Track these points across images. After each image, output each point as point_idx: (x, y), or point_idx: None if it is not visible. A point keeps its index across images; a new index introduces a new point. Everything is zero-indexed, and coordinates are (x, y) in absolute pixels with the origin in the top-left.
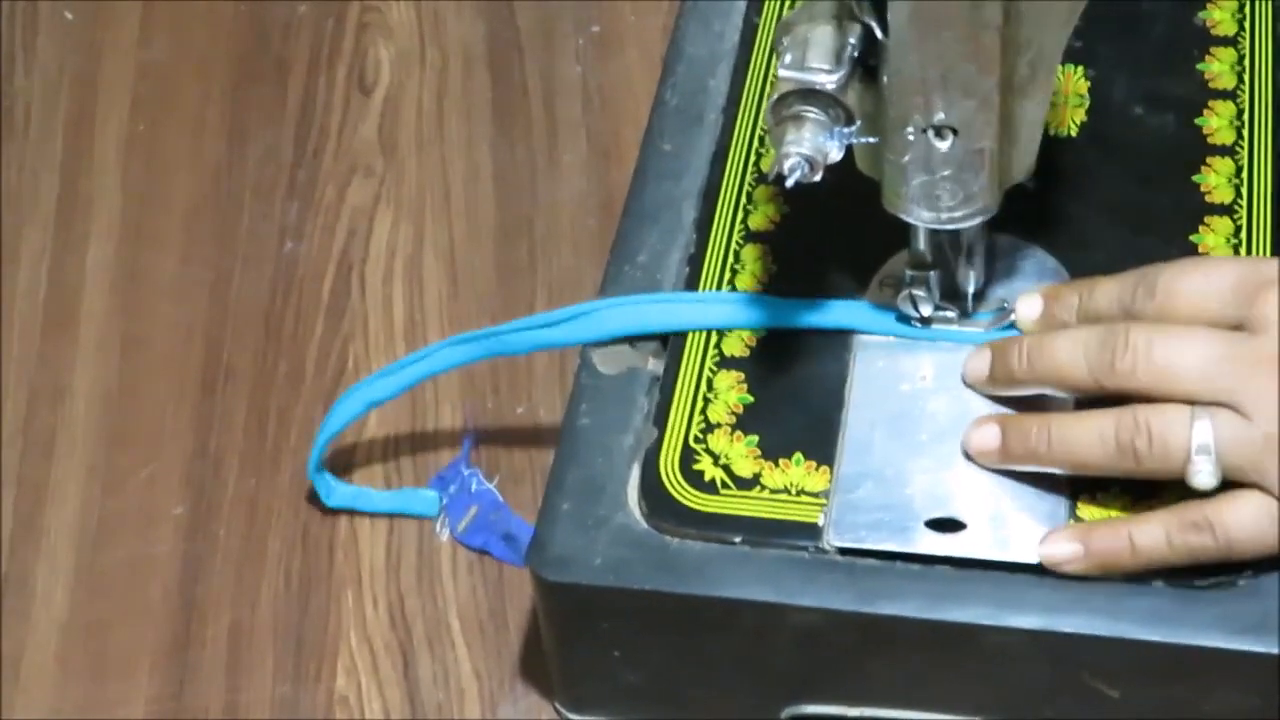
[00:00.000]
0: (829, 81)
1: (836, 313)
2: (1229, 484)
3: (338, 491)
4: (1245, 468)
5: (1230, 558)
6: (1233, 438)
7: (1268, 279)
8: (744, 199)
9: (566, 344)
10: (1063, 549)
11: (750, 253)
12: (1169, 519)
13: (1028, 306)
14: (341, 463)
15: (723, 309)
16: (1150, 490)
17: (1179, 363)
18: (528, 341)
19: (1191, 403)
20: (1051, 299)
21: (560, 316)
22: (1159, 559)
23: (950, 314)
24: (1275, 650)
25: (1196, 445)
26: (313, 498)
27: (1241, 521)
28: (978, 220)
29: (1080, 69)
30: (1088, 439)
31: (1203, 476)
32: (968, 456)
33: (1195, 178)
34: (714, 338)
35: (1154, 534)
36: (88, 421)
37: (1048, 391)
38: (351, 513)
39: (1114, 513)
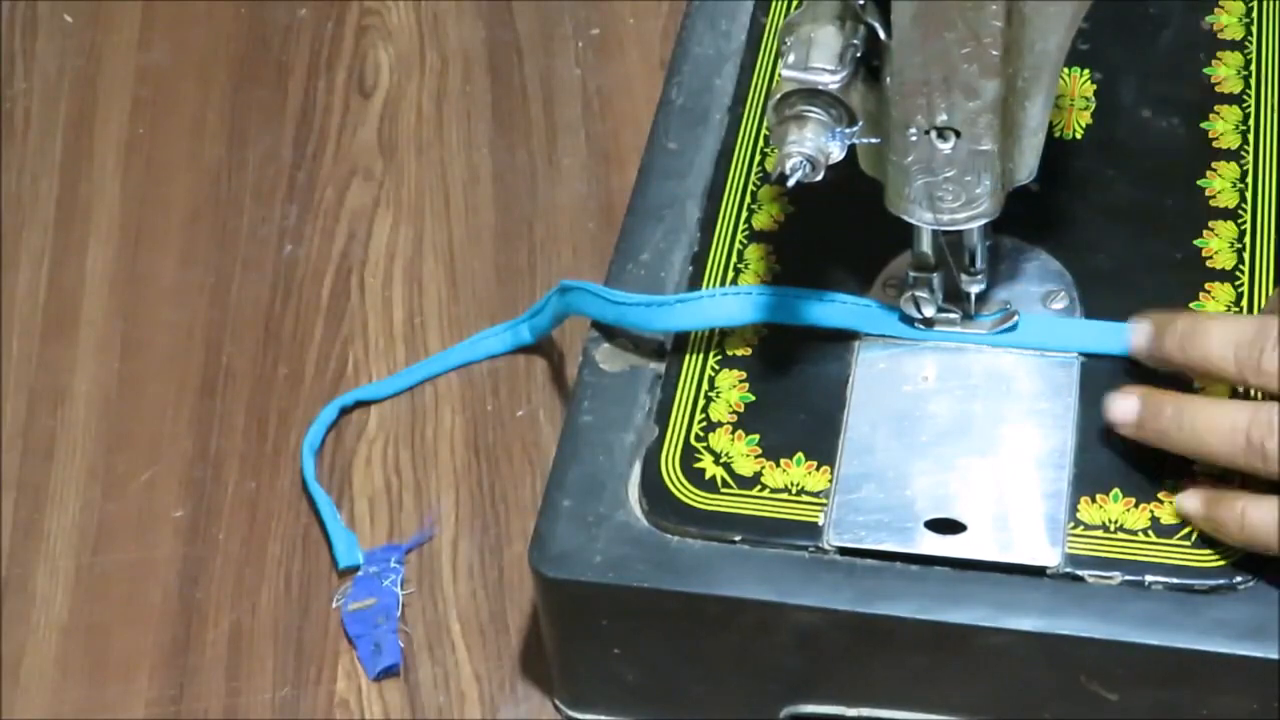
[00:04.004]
0: (832, 82)
1: (839, 312)
2: None
3: (319, 493)
4: None
5: None
6: None
7: None
8: (748, 198)
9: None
10: (1191, 505)
11: (754, 252)
12: None
13: None
14: (341, 463)
15: (733, 303)
16: (1151, 491)
17: None
18: None
19: None
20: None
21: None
22: (1265, 542)
23: (953, 315)
24: (1274, 655)
25: None
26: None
27: None
28: (980, 222)
29: (1086, 72)
30: (1219, 430)
31: None
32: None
33: (1200, 182)
34: (716, 337)
35: (1266, 517)
36: (88, 424)
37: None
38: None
39: (1115, 514)
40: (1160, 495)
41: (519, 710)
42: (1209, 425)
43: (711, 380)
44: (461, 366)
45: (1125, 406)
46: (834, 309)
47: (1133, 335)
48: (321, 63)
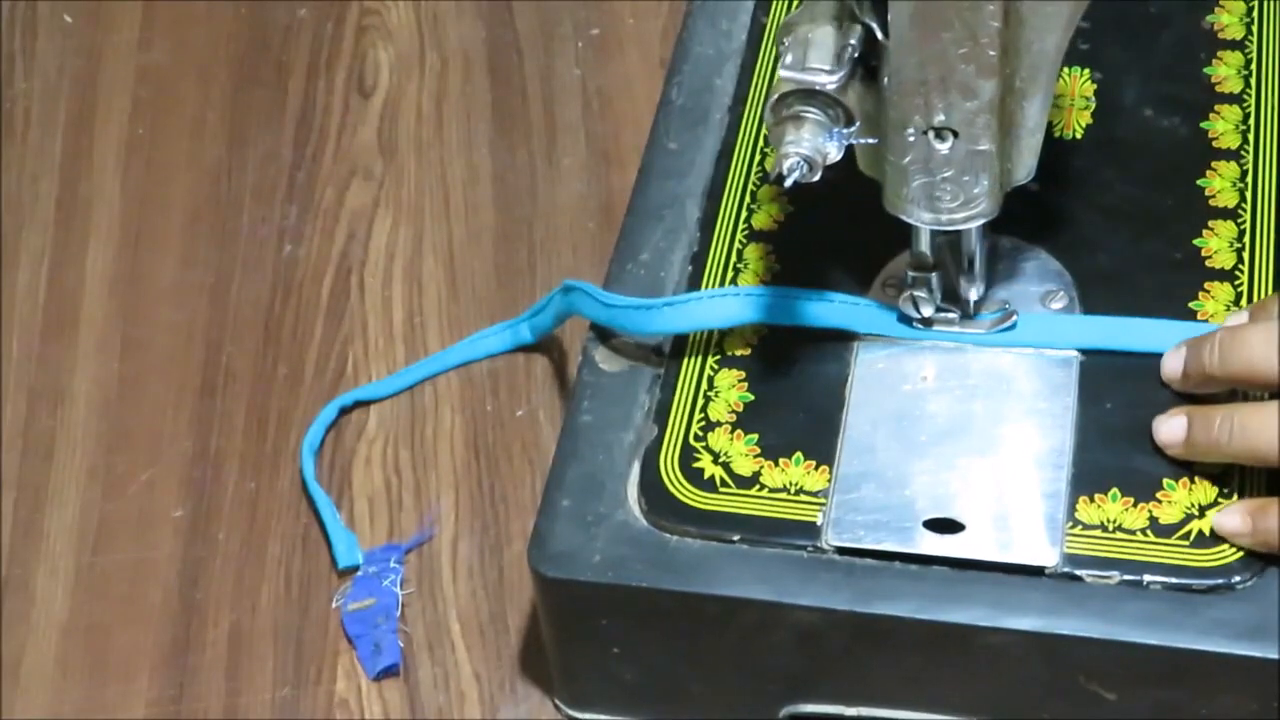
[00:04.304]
0: (829, 82)
1: (838, 312)
2: None
3: (319, 493)
4: None
5: None
6: None
7: None
8: (748, 198)
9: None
10: (1232, 522)
11: (753, 252)
12: None
13: (1234, 318)
14: (341, 462)
15: (724, 305)
16: (1149, 490)
17: None
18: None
19: None
20: (1257, 309)
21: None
22: None
23: (951, 315)
24: (1273, 655)
25: None
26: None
27: None
28: (979, 222)
29: (1087, 71)
30: (1270, 431)
31: None
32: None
33: (1200, 181)
34: (715, 336)
35: None
36: (88, 424)
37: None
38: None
39: (1114, 513)
40: (1159, 495)
41: (519, 710)
42: (1259, 428)
43: (711, 380)
44: (461, 366)
45: (1173, 426)
46: (831, 309)
47: (1165, 364)
48: (321, 63)
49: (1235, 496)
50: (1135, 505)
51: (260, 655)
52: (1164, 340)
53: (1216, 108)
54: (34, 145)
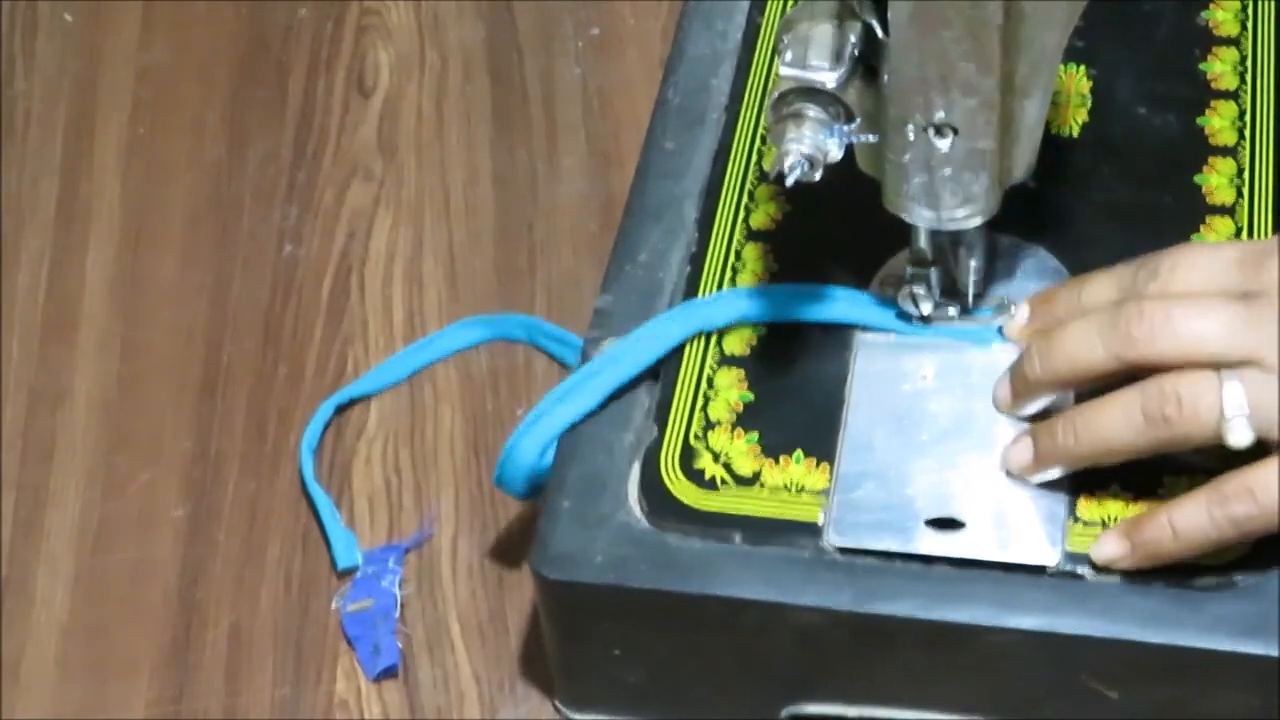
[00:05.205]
0: (829, 80)
1: (838, 305)
2: (1256, 451)
3: (318, 493)
4: (1276, 422)
5: (1275, 524)
6: (1262, 394)
7: (1269, 249)
8: (746, 198)
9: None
10: (1110, 549)
11: (752, 251)
12: (1206, 496)
13: (1017, 315)
14: (340, 462)
15: (723, 306)
16: (1150, 487)
17: (1200, 326)
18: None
19: (1215, 365)
20: (1042, 302)
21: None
22: (1204, 538)
23: (951, 312)
24: (1274, 652)
25: (1230, 404)
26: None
27: None
28: (978, 220)
29: (1083, 69)
30: (1115, 420)
31: (1238, 435)
32: (972, 456)
33: (1197, 178)
34: (715, 335)
35: (1194, 514)
36: (88, 425)
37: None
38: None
39: (1115, 511)
40: (1159, 491)
41: (518, 711)
42: (1103, 421)
43: (710, 379)
44: (451, 355)
45: (1019, 450)
46: (828, 305)
47: (996, 393)
48: (321, 63)
49: None
50: (1136, 502)
51: (260, 655)
52: None
53: (1212, 104)
54: (34, 145)
